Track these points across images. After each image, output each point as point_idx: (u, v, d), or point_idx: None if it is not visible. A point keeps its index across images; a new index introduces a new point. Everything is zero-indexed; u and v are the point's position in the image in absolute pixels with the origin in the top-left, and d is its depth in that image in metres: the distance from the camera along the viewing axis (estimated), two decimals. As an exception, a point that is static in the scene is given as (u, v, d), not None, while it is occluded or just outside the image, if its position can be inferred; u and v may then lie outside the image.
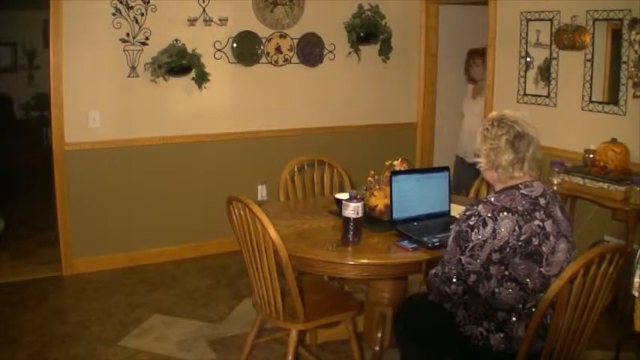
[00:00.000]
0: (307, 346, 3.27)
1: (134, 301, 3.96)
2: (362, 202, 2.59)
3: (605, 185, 3.66)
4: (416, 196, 2.85)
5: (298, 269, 2.63)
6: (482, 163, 2.28)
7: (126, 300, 3.97)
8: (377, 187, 2.90)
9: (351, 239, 2.58)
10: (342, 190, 3.37)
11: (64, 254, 4.38)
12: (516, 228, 2.13)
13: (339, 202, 2.87)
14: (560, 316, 2.10)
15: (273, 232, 2.42)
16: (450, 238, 2.24)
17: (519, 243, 2.13)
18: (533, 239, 2.15)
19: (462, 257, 2.18)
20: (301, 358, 3.10)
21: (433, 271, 2.34)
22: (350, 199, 2.57)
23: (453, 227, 2.27)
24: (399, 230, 2.71)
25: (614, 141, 3.85)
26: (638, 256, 2.76)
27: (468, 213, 2.20)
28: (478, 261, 2.16)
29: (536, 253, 2.15)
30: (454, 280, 2.23)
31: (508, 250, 2.13)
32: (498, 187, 2.29)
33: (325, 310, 2.78)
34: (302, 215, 3.12)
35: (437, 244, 2.54)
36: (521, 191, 2.21)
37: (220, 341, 3.44)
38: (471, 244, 2.15)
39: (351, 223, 2.57)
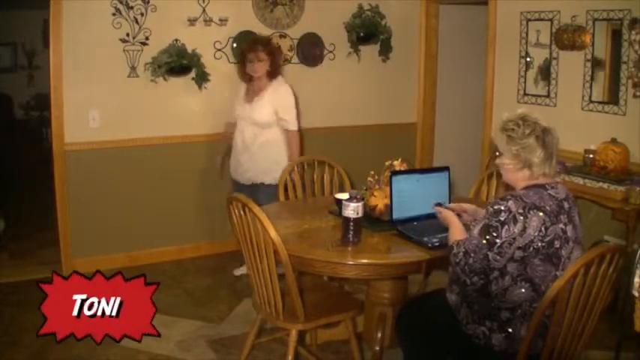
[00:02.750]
0: (307, 346, 3.27)
1: (134, 301, 3.96)
2: (362, 202, 2.60)
3: (605, 185, 3.65)
4: (416, 196, 2.84)
5: (298, 269, 2.63)
6: (509, 165, 2.23)
7: (126, 300, 3.96)
8: (377, 187, 2.90)
9: (351, 239, 2.58)
10: (342, 190, 3.37)
11: (64, 254, 4.38)
12: (543, 228, 2.11)
13: (339, 202, 2.87)
14: (561, 316, 2.10)
15: (273, 232, 2.42)
16: (476, 230, 2.18)
17: (542, 244, 2.11)
18: (556, 242, 2.13)
19: (490, 253, 2.13)
20: (301, 358, 3.10)
21: (455, 250, 2.23)
22: (350, 199, 2.57)
23: (479, 219, 2.22)
24: (399, 230, 2.71)
25: (614, 141, 3.85)
26: (638, 256, 2.76)
27: (496, 207, 2.15)
28: (504, 258, 2.13)
29: (555, 256, 2.13)
30: (477, 272, 2.17)
31: (531, 249, 2.11)
32: (521, 185, 2.24)
33: (325, 310, 2.78)
34: (302, 215, 3.11)
35: (437, 244, 2.54)
36: (549, 192, 2.19)
37: (220, 341, 3.44)
38: (500, 241, 2.11)
39: (351, 223, 2.57)
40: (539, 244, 2.11)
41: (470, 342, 2.29)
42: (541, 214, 2.11)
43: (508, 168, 2.25)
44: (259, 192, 3.96)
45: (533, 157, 2.18)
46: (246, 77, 4.04)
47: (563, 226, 2.16)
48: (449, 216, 2.52)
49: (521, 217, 2.10)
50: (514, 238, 2.10)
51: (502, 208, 2.13)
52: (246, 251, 2.65)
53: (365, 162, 3.67)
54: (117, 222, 4.52)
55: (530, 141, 2.18)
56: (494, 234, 2.11)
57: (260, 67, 3.92)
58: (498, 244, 2.11)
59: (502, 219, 2.11)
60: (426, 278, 3.52)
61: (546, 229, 2.11)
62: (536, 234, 2.10)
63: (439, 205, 2.63)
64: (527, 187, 2.22)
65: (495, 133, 2.28)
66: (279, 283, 2.57)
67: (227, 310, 3.86)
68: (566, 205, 2.20)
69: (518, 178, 2.25)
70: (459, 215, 2.55)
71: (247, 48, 3.98)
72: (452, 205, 2.69)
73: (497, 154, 2.30)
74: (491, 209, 2.17)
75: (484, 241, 2.13)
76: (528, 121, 2.21)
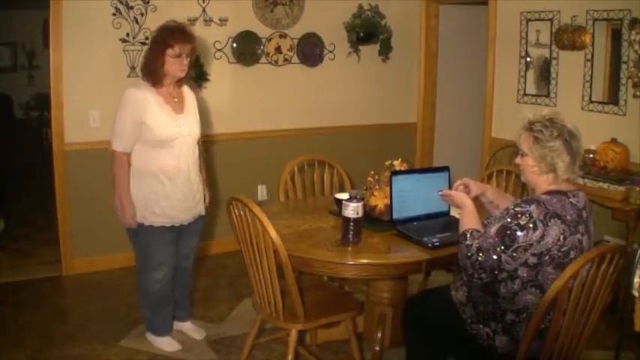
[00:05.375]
0: (307, 346, 3.27)
1: (134, 301, 3.95)
2: (362, 202, 2.59)
3: (605, 185, 3.66)
4: (416, 196, 2.84)
5: (298, 269, 2.63)
6: (534, 167, 2.19)
7: (126, 300, 3.96)
8: (377, 187, 2.90)
9: (351, 239, 2.58)
10: (342, 190, 3.37)
11: (64, 254, 4.37)
12: (561, 238, 2.08)
13: (339, 202, 2.87)
14: (561, 316, 2.09)
15: (273, 232, 2.42)
16: (494, 229, 2.14)
17: (559, 253, 2.09)
18: (572, 252, 2.11)
19: (503, 255, 2.09)
20: (301, 358, 3.10)
21: (469, 242, 2.19)
22: (350, 199, 2.57)
23: (498, 217, 2.18)
24: (399, 230, 2.71)
25: (614, 141, 3.85)
26: (638, 256, 2.76)
27: (518, 209, 2.11)
28: (517, 262, 2.10)
29: (568, 265, 2.11)
30: (485, 270, 2.14)
31: (547, 257, 2.09)
32: (543, 188, 2.20)
33: (325, 310, 2.78)
34: (302, 215, 3.12)
35: (437, 244, 2.54)
36: (570, 200, 2.15)
37: (220, 341, 3.44)
38: (515, 245, 2.08)
39: (351, 223, 2.57)
40: (556, 254, 2.08)
41: (473, 342, 2.29)
42: (561, 223, 2.08)
43: (532, 170, 2.20)
44: (196, 228, 3.38)
45: (559, 162, 2.13)
46: (155, 79, 3.00)
47: (580, 237, 2.14)
48: (461, 197, 2.46)
49: (542, 225, 2.06)
50: (530, 244, 2.07)
51: (523, 211, 2.09)
52: (246, 251, 2.65)
53: (365, 162, 3.68)
54: (117, 222, 4.49)
55: (558, 144, 2.12)
56: (511, 237, 2.08)
57: (188, 64, 3.01)
58: (513, 248, 2.08)
59: (522, 223, 2.08)
60: (426, 278, 3.53)
61: (564, 238, 2.09)
62: (554, 243, 2.07)
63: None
64: (549, 193, 2.17)
65: (520, 132, 2.22)
66: (279, 283, 2.57)
67: (227, 310, 3.86)
68: (584, 214, 2.18)
69: (541, 181, 2.21)
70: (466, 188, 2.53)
71: (177, 37, 2.94)
72: (459, 181, 2.61)
73: (520, 154, 2.24)
74: (512, 210, 2.13)
75: (499, 242, 2.10)
76: (556, 123, 2.16)
